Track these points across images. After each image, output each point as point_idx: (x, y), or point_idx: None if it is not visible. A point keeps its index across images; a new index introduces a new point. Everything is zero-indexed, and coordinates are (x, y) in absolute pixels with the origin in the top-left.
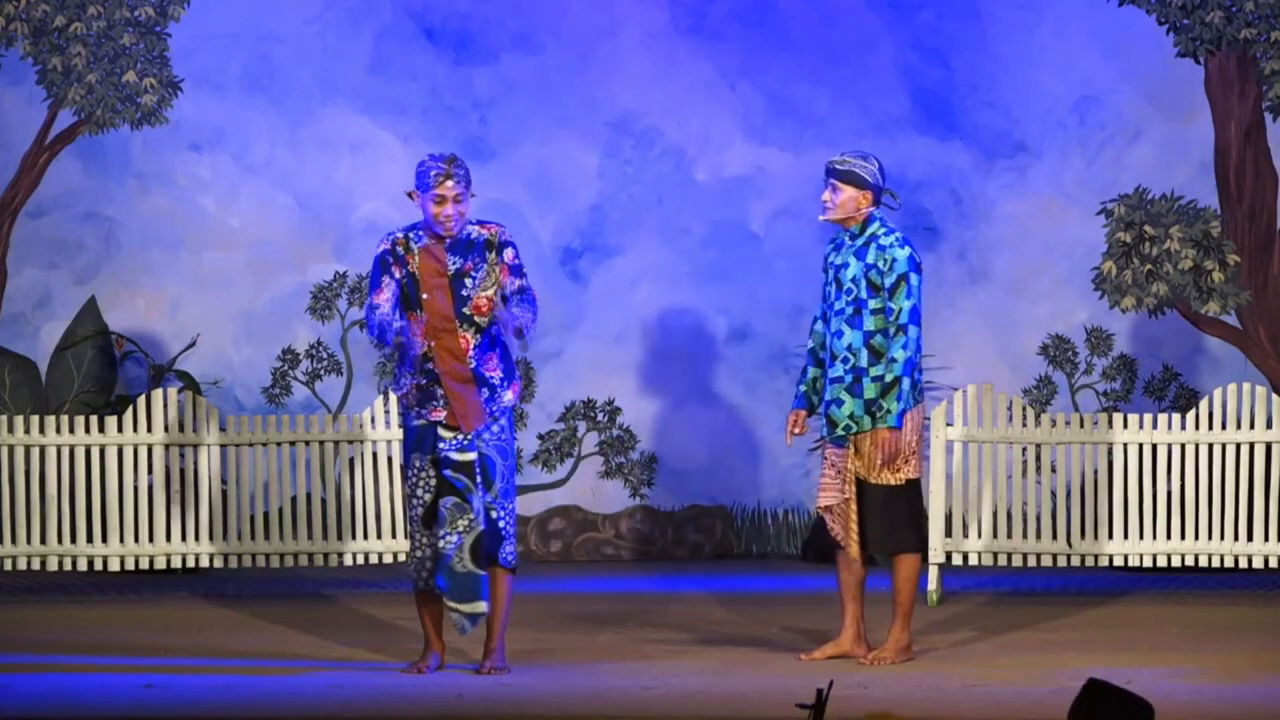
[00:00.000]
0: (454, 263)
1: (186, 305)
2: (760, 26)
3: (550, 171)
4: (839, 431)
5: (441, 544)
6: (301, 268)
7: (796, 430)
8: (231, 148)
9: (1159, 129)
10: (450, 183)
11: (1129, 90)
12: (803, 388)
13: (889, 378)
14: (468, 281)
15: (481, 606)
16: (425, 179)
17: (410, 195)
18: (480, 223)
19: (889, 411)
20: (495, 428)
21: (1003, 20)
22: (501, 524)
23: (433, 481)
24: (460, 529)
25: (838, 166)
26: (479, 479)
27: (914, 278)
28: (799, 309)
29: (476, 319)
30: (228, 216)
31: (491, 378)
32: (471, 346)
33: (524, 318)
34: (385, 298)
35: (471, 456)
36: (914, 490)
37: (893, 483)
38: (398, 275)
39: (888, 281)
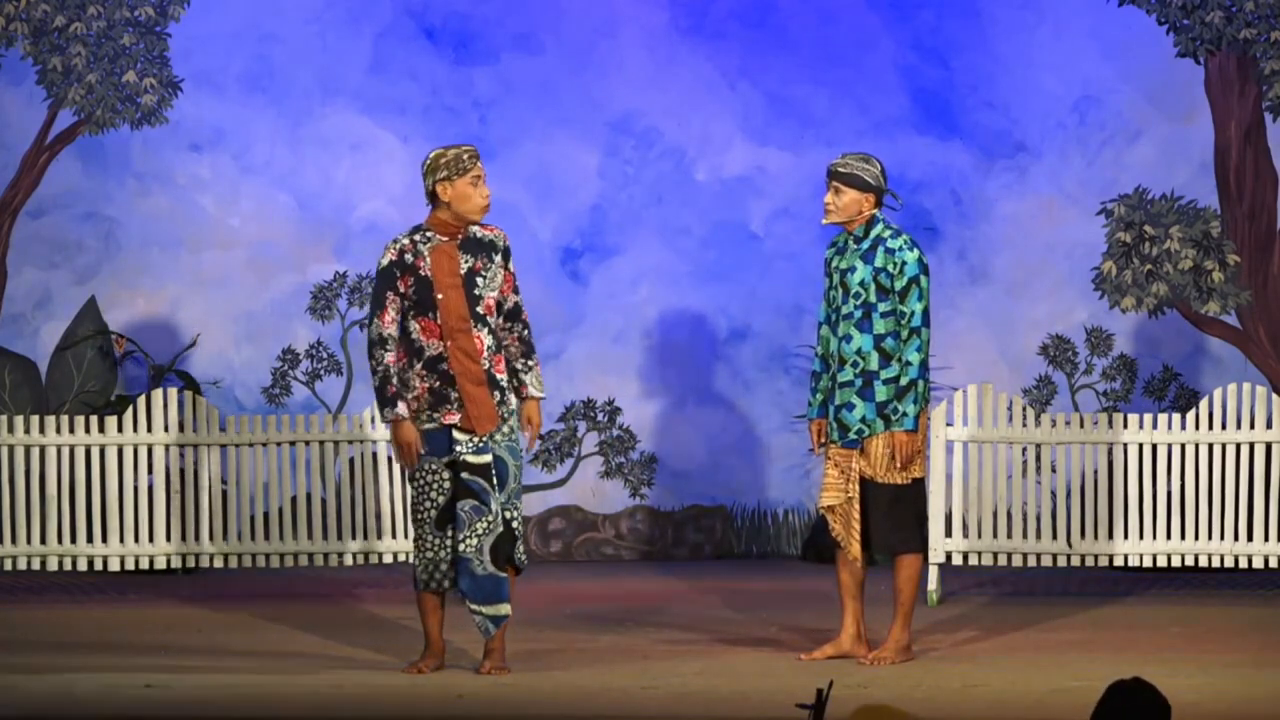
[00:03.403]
0: (466, 261)
1: (186, 305)
2: (760, 26)
3: (550, 171)
4: (851, 436)
5: (462, 547)
6: (301, 268)
7: (823, 440)
8: (231, 148)
9: (1159, 129)
10: (481, 163)
11: (1129, 90)
12: (819, 396)
13: (904, 380)
14: (479, 280)
15: (505, 609)
16: (460, 163)
17: (439, 189)
18: (481, 223)
19: (905, 414)
20: (505, 429)
21: (1003, 20)
22: (515, 525)
23: (447, 484)
24: (480, 531)
25: (840, 169)
26: (495, 481)
27: (924, 280)
28: (799, 309)
29: (488, 318)
30: (228, 216)
31: (501, 379)
32: (485, 347)
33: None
34: (390, 319)
35: (487, 459)
36: (919, 490)
37: (900, 483)
38: (403, 289)
39: (898, 285)
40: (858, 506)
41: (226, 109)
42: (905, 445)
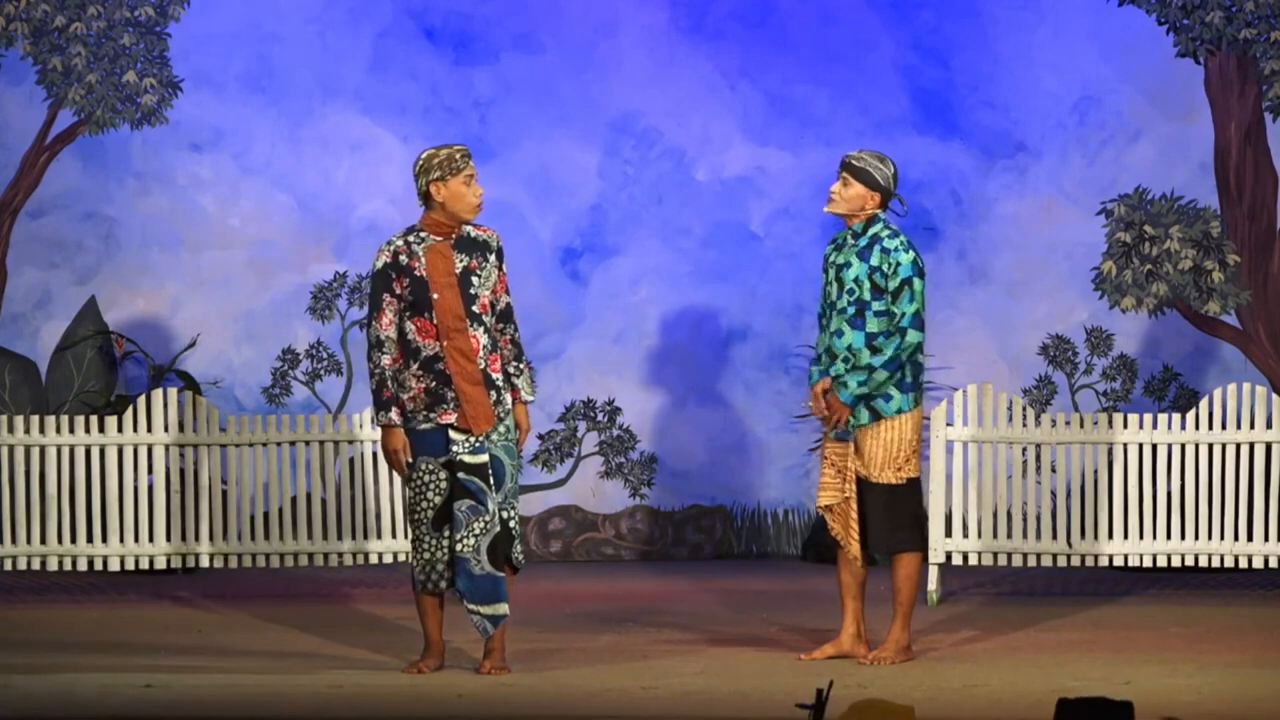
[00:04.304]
0: (461, 260)
1: (186, 305)
2: (760, 26)
3: (550, 171)
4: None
5: (459, 547)
6: (301, 268)
7: (825, 396)
8: (231, 148)
9: (1159, 129)
10: (473, 162)
11: (1129, 90)
12: (819, 366)
13: (864, 361)
14: (474, 280)
15: (503, 608)
16: (453, 163)
17: (432, 189)
18: (474, 224)
19: (844, 385)
20: (502, 428)
21: (1003, 20)
22: (513, 524)
23: (444, 484)
24: (477, 531)
25: (853, 162)
26: (491, 481)
27: (917, 283)
28: (799, 309)
29: (484, 317)
30: (228, 216)
31: (496, 379)
32: (480, 347)
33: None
34: (388, 321)
35: (484, 459)
36: (915, 490)
37: (894, 482)
38: (399, 290)
39: (891, 285)
40: (855, 506)
41: (226, 109)
42: (836, 407)
